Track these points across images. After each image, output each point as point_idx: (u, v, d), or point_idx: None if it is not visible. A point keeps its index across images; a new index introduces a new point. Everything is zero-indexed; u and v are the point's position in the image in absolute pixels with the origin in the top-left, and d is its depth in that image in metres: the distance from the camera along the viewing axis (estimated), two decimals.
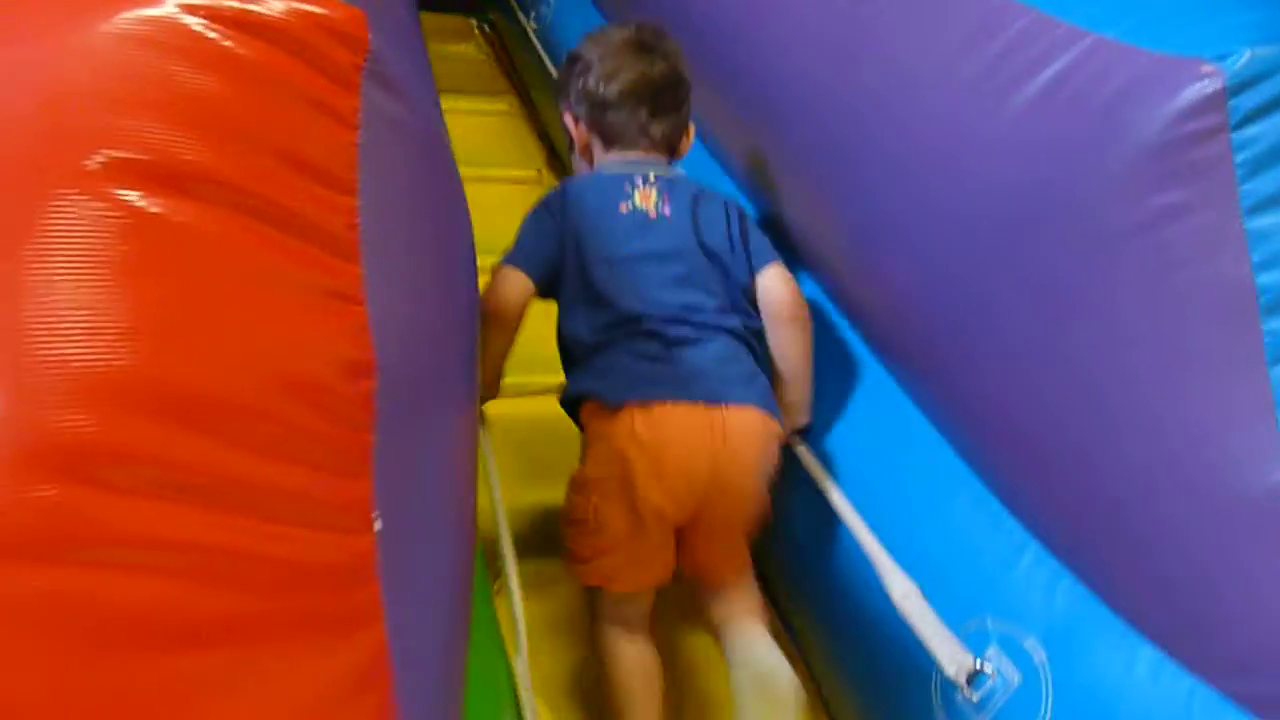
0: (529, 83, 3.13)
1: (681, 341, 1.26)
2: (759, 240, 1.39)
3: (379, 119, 0.72)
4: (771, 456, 1.28)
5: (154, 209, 0.59)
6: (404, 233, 0.73)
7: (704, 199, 1.38)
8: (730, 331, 1.29)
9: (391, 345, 0.67)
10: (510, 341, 1.33)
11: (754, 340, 1.33)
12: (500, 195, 2.56)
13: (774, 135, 1.54)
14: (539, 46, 2.89)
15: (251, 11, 0.64)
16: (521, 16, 3.09)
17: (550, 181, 2.71)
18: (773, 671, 1.17)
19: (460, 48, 3.64)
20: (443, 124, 1.12)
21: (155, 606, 0.54)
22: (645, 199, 1.35)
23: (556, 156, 2.83)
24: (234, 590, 0.58)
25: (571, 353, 1.33)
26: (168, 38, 0.62)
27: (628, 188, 1.36)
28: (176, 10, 0.63)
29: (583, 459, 1.29)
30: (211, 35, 0.63)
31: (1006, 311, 1.06)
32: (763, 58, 1.57)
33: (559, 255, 1.32)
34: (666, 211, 1.34)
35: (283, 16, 0.65)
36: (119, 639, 0.53)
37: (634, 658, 1.24)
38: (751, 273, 1.35)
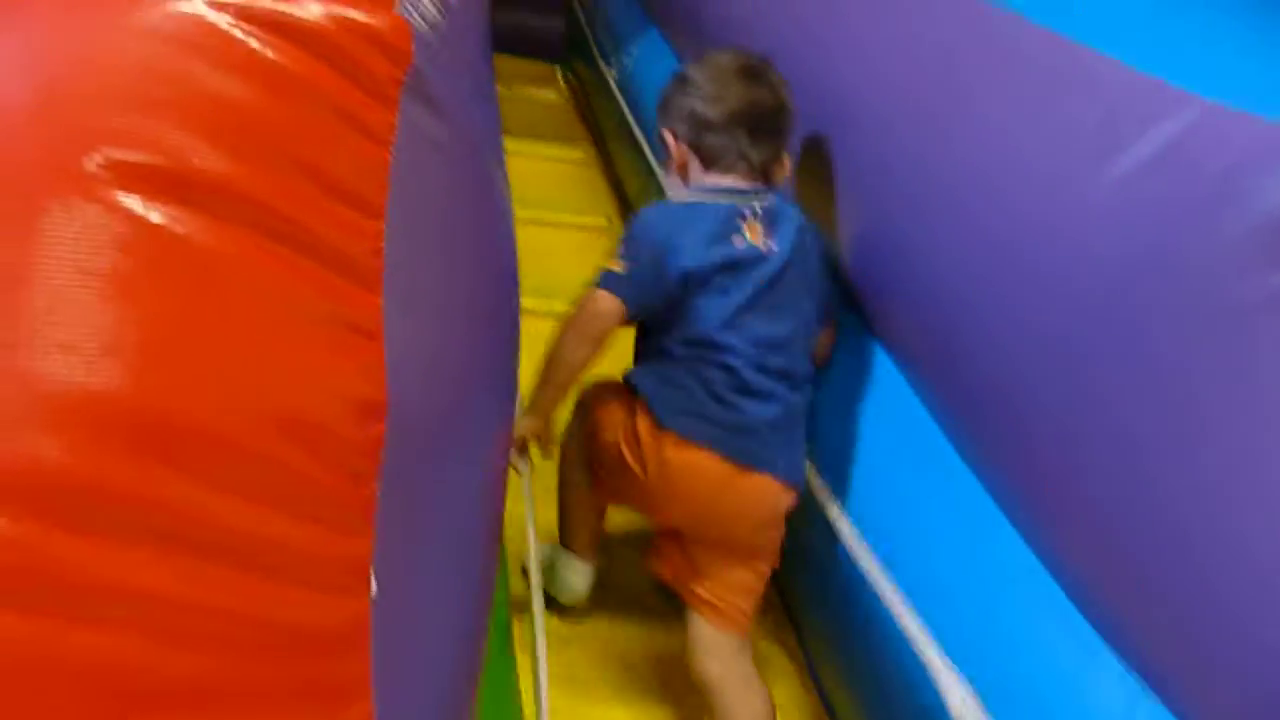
0: (606, 132, 3.11)
1: (752, 392, 1.32)
2: (831, 291, 1.48)
3: (416, 138, 0.66)
4: (778, 521, 1.37)
5: (155, 217, 0.54)
6: (434, 261, 0.67)
7: (805, 235, 1.44)
8: (799, 385, 1.37)
9: (408, 385, 0.61)
10: (592, 359, 1.39)
11: (807, 396, 1.41)
12: (569, 241, 2.54)
13: (854, 198, 1.47)
14: (619, 96, 2.87)
15: (284, 13, 0.59)
16: (603, 65, 3.08)
17: (620, 231, 2.68)
18: None
19: (542, 93, 3.66)
20: (497, 153, 1.06)
21: (118, 664, 0.48)
22: (754, 233, 1.38)
23: (628, 206, 2.79)
24: (207, 651, 0.51)
25: (649, 351, 1.42)
26: (190, 35, 0.57)
27: (739, 220, 1.38)
28: (204, 6, 0.58)
29: (628, 415, 1.39)
30: (239, 35, 0.58)
31: (1114, 391, 0.95)
32: (849, 117, 1.50)
33: (657, 284, 1.36)
34: (773, 247, 1.39)
35: (318, 20, 0.60)
36: (75, 697, 0.47)
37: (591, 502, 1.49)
38: (818, 327, 1.45)
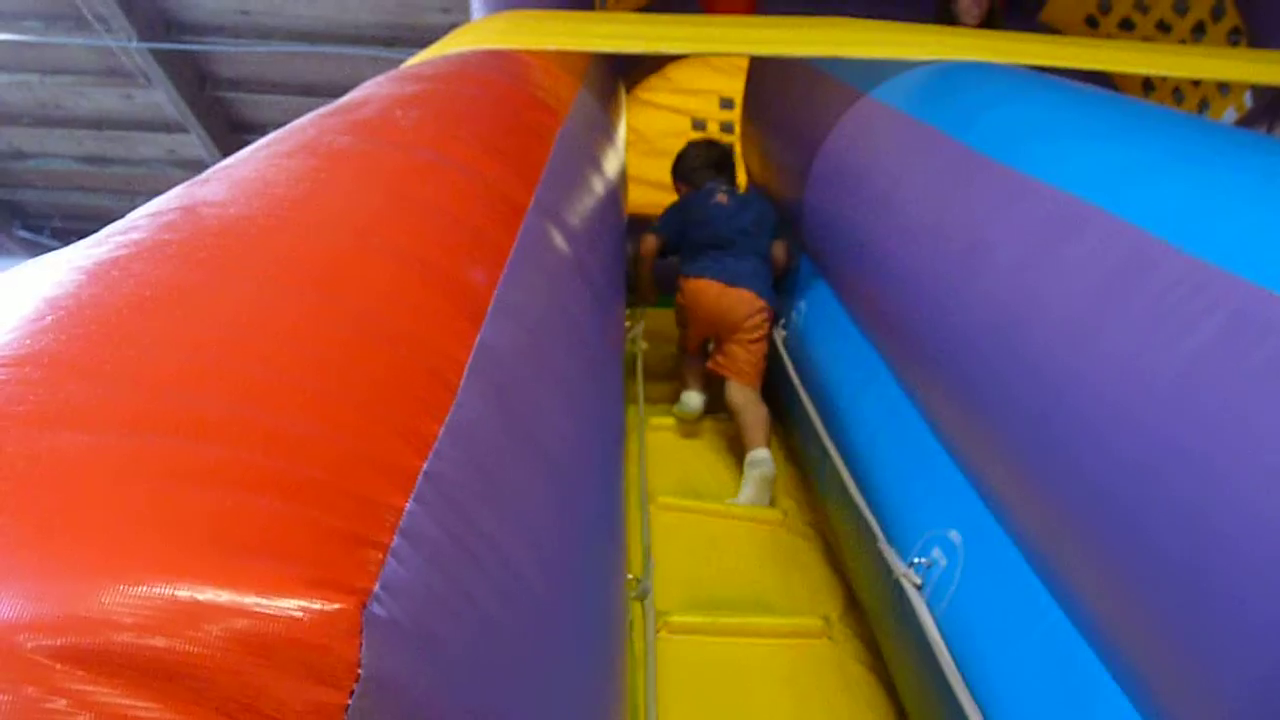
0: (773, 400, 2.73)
1: (727, 255, 2.69)
2: (773, 223, 2.81)
3: None
4: (760, 317, 2.64)
5: None
6: None
7: (754, 201, 2.88)
8: (755, 255, 2.72)
9: None
10: (652, 268, 2.91)
11: (766, 264, 2.75)
12: (739, 532, 2.20)
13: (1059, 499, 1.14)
14: (785, 358, 2.54)
15: (123, 629, 0.34)
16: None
17: (797, 520, 2.33)
18: (763, 468, 2.40)
19: None
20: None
21: None
22: (722, 198, 2.81)
23: (807, 487, 2.45)
24: None
25: (681, 257, 2.82)
26: None
27: (714, 193, 2.85)
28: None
29: (677, 297, 2.81)
30: (64, 681, 0.34)
31: None
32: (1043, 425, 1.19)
33: (683, 226, 2.81)
34: (729, 203, 2.79)
35: (183, 646, 0.34)
36: None
37: (697, 365, 2.80)
38: (770, 240, 2.78)
